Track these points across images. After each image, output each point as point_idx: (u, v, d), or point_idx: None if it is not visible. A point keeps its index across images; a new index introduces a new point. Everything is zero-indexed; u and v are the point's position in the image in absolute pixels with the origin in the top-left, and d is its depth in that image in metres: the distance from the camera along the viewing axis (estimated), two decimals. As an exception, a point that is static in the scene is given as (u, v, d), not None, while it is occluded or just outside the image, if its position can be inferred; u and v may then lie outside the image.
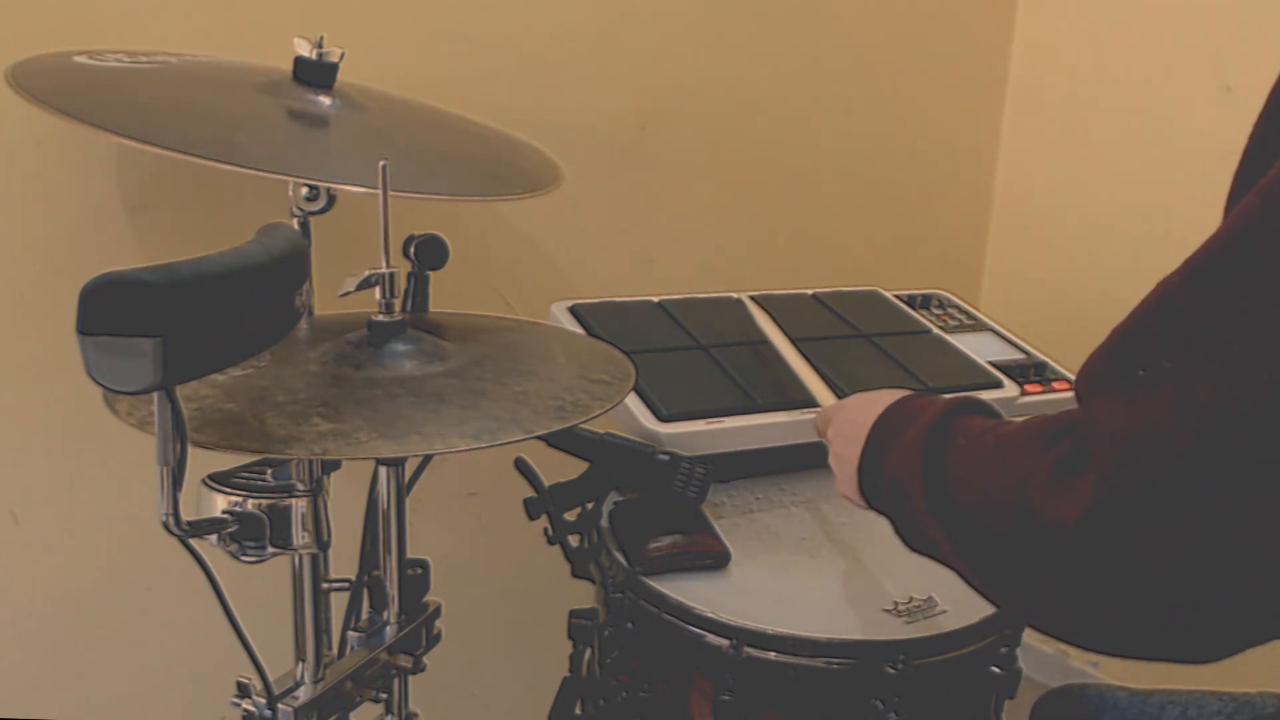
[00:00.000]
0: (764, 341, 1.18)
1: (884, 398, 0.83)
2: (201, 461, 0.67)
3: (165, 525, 0.65)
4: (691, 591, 0.93)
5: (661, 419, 1.03)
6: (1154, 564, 0.51)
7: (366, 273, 0.82)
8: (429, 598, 0.96)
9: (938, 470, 0.68)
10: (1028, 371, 1.24)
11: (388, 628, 0.92)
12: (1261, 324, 0.48)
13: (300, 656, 0.85)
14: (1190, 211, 1.59)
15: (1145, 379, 0.52)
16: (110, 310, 0.56)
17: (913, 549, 0.76)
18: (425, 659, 0.95)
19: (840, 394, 1.12)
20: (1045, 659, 1.95)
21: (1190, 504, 0.50)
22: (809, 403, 1.10)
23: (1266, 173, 0.49)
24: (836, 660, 0.87)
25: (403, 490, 0.92)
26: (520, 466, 0.99)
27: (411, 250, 0.98)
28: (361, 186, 0.83)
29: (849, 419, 0.85)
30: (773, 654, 0.88)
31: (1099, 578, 0.54)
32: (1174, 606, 0.53)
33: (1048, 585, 0.57)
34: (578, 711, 1.09)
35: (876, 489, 0.80)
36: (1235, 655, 0.54)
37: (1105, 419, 0.53)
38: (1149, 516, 0.51)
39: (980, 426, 0.69)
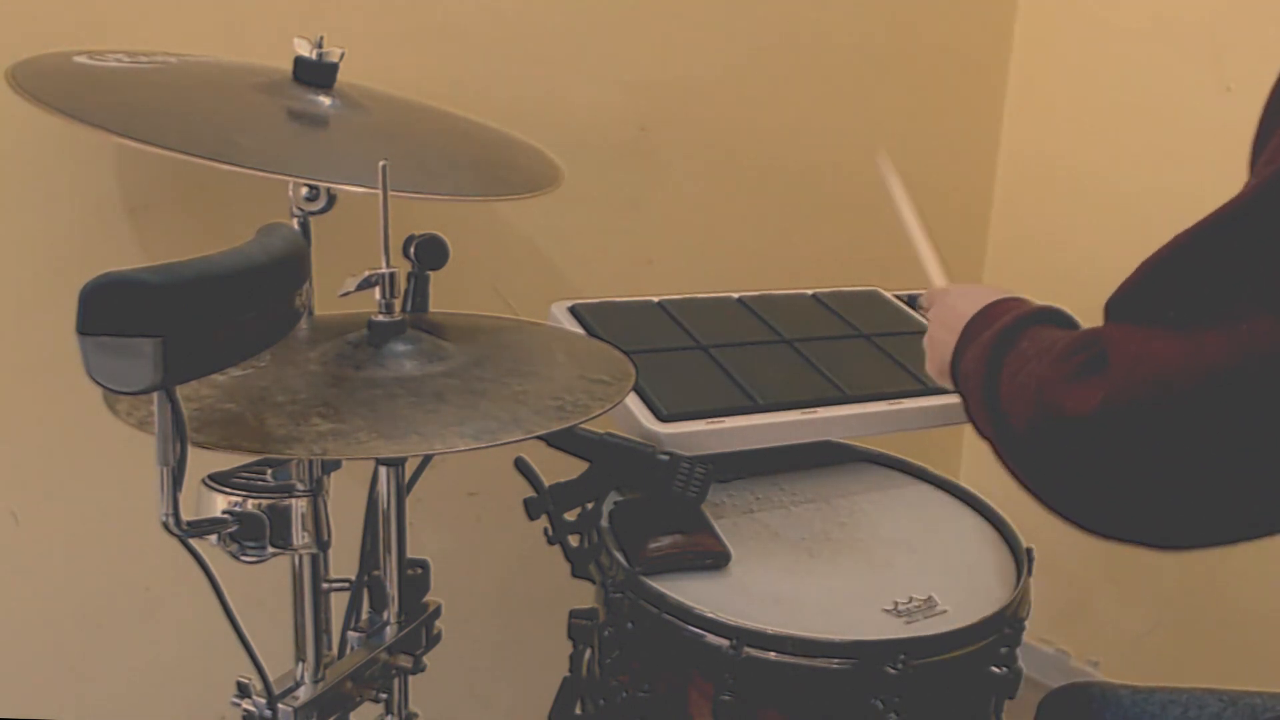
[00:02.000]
0: (765, 342, 1.18)
1: (985, 295, 0.89)
2: (201, 461, 0.67)
3: (165, 525, 0.65)
4: (691, 591, 0.93)
5: (661, 419, 1.03)
6: (1148, 466, 0.58)
7: (366, 273, 0.82)
8: (429, 598, 0.96)
9: (995, 371, 0.75)
10: (1028, 371, 1.24)
11: (388, 628, 0.92)
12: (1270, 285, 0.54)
13: (300, 656, 0.85)
14: (1191, 212, 1.59)
15: (1175, 320, 0.58)
16: (110, 310, 0.56)
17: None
18: (425, 659, 0.95)
19: (841, 394, 1.12)
20: (1045, 659, 1.95)
21: (1188, 431, 0.56)
22: (810, 402, 1.10)
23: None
24: (836, 660, 0.87)
25: (403, 490, 0.92)
26: (520, 466, 0.99)
27: (411, 250, 0.98)
28: (361, 186, 0.83)
29: (951, 306, 0.91)
30: (773, 654, 0.87)
31: (1097, 466, 0.60)
32: (1160, 500, 0.60)
33: (1056, 470, 0.65)
34: (578, 711, 1.09)
35: (957, 378, 0.88)
36: (1198, 549, 0.63)
37: (1132, 345, 0.59)
38: (1150, 429, 0.57)
39: (1045, 336, 0.75)
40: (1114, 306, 0.64)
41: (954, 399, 1.15)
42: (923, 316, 0.99)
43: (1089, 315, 1.85)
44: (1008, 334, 0.78)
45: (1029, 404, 0.67)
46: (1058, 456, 0.64)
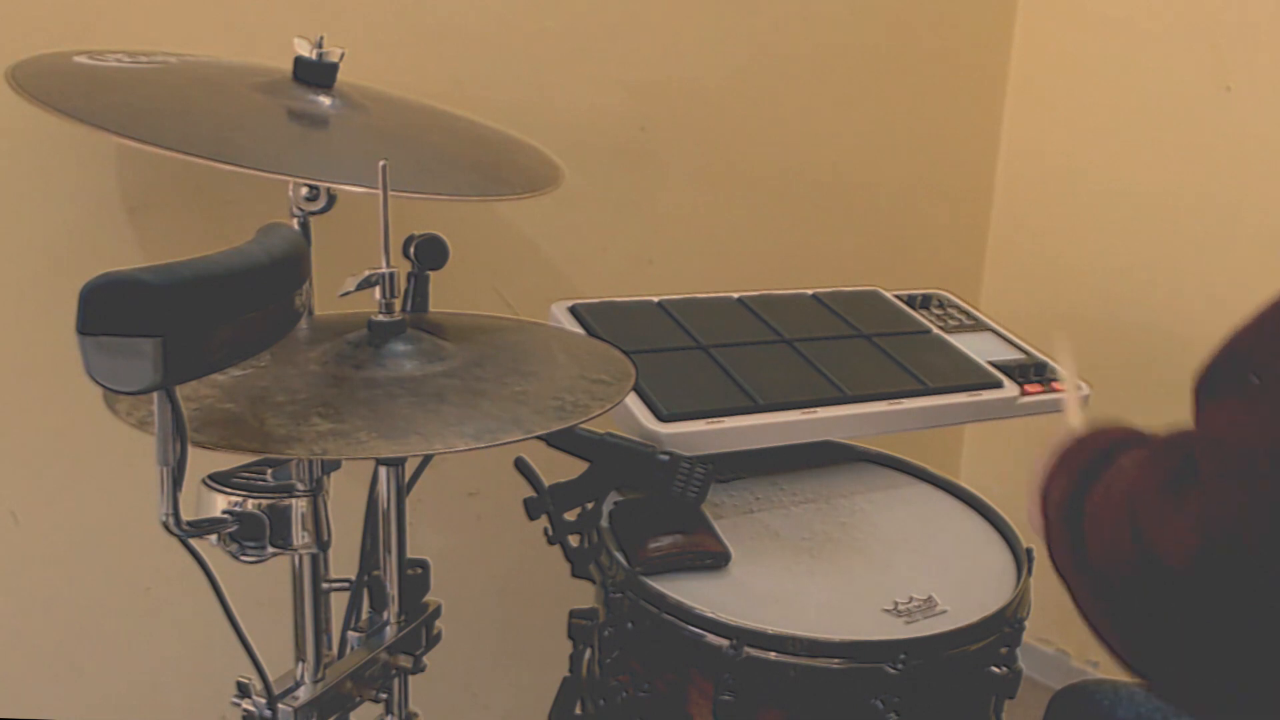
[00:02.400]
0: (765, 342, 1.18)
1: (1094, 426, 0.80)
2: (201, 461, 0.67)
3: (165, 525, 0.65)
4: (691, 591, 0.93)
5: (661, 419, 1.03)
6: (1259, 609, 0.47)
7: (366, 273, 0.82)
8: (429, 598, 0.96)
9: (1083, 490, 0.66)
10: (1028, 371, 1.24)
11: (388, 628, 0.92)
12: None
13: (300, 656, 0.85)
14: (1191, 211, 1.59)
15: (1261, 382, 0.50)
16: (110, 310, 0.56)
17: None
18: (425, 659, 0.95)
19: (841, 394, 1.12)
20: (1045, 659, 1.95)
21: None
22: (810, 402, 1.10)
23: None
24: (836, 660, 0.87)
25: (403, 490, 0.92)
26: (520, 466, 0.99)
27: (411, 250, 0.98)
28: (361, 186, 0.83)
29: (1056, 437, 0.82)
30: (773, 654, 0.88)
31: (1209, 610, 0.50)
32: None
33: (1154, 619, 0.54)
34: (578, 711, 1.09)
35: (1046, 499, 0.77)
36: None
37: (1217, 425, 0.51)
38: (1260, 542, 0.46)
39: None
40: (1198, 386, 0.56)
41: (954, 399, 1.15)
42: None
43: (1088, 314, 1.83)
44: (1104, 455, 0.68)
45: (1118, 524, 0.56)
46: (1154, 605, 0.53)
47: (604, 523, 1.03)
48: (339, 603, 0.92)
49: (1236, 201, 1.51)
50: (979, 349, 1.27)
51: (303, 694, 0.83)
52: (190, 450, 0.63)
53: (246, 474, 0.78)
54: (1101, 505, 0.62)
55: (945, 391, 1.16)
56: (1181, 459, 0.53)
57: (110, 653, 1.20)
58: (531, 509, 0.99)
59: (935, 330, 1.30)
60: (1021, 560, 1.02)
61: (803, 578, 0.98)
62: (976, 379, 1.20)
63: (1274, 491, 0.46)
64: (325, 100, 0.96)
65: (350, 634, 0.92)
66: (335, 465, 0.86)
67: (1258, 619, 0.48)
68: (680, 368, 1.12)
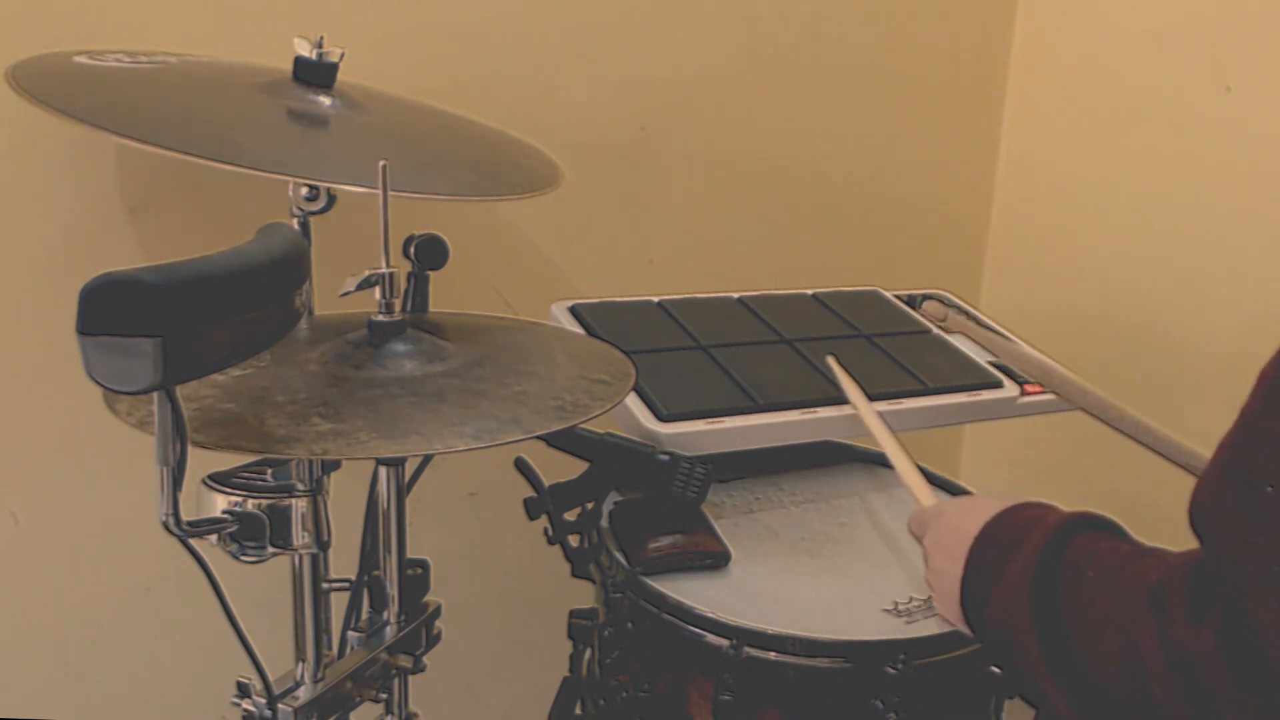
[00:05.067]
0: (765, 342, 1.18)
1: (986, 506, 0.74)
2: (201, 461, 0.67)
3: (165, 525, 0.65)
4: (691, 591, 0.93)
5: (661, 419, 1.03)
6: None
7: (366, 273, 0.82)
8: (429, 598, 0.96)
9: (1053, 614, 0.61)
10: (1028, 371, 1.24)
11: (388, 628, 0.92)
12: None
13: (300, 656, 0.85)
14: (1190, 212, 1.59)
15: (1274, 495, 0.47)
16: (110, 310, 0.56)
17: (1026, 701, 0.69)
18: (425, 659, 0.95)
19: (842, 393, 1.12)
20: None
21: None
22: (810, 402, 1.10)
23: None
24: (837, 660, 0.87)
25: (403, 490, 0.92)
26: (520, 466, 0.99)
27: (411, 250, 0.98)
28: (361, 186, 0.83)
29: (950, 526, 0.77)
30: (773, 654, 0.88)
31: None
32: None
33: None
34: (578, 711, 1.09)
35: (981, 625, 0.72)
36: None
37: (1237, 550, 0.48)
38: None
39: (1103, 553, 0.61)
40: (1203, 506, 0.52)
41: (954, 399, 1.15)
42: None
43: (1088, 314, 1.83)
44: (1049, 560, 0.63)
45: (1150, 676, 0.53)
46: None
47: (604, 523, 1.03)
48: (339, 603, 0.92)
49: (1237, 201, 1.50)
50: (979, 349, 1.27)
51: (303, 694, 0.83)
52: (190, 450, 0.63)
53: (246, 474, 0.78)
54: (1100, 616, 0.58)
55: (945, 391, 1.16)
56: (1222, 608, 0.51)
57: (110, 653, 1.20)
58: (531, 509, 0.99)
59: (935, 330, 1.30)
60: (1021, 560, 1.02)
61: (803, 578, 0.98)
62: (976, 379, 1.20)
63: None
64: (325, 100, 0.96)
65: (350, 634, 0.92)
66: (335, 465, 0.86)
67: None
68: (680, 368, 1.12)
